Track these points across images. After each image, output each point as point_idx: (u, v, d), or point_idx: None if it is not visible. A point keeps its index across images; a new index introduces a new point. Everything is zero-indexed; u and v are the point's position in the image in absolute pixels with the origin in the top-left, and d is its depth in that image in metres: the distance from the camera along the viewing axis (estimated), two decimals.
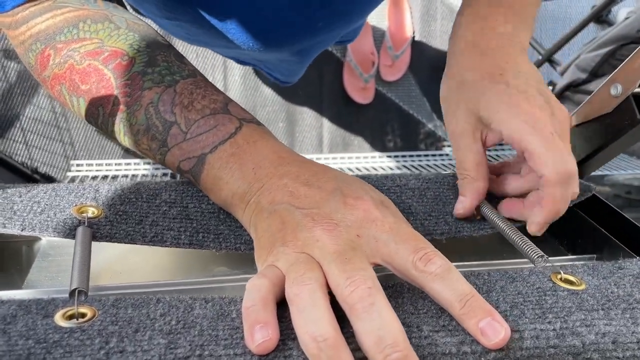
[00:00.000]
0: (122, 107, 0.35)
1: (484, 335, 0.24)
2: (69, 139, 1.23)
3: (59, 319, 0.25)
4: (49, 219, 0.33)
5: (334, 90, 1.26)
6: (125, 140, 0.37)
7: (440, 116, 1.32)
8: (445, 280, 0.26)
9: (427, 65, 1.30)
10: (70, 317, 0.25)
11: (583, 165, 0.39)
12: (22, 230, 0.32)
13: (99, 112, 0.36)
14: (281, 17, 0.49)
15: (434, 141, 1.31)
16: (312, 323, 0.24)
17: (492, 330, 0.24)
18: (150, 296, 0.27)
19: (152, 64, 0.36)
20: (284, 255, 0.28)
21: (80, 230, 0.32)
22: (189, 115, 0.35)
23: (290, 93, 1.26)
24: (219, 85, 1.28)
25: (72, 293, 0.27)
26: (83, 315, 0.25)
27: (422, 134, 1.31)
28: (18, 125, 1.20)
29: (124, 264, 0.37)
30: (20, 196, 0.35)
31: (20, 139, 1.20)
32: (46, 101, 1.19)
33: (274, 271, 0.27)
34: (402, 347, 0.23)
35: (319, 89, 1.27)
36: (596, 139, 0.37)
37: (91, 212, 0.34)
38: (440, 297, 0.26)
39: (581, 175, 0.38)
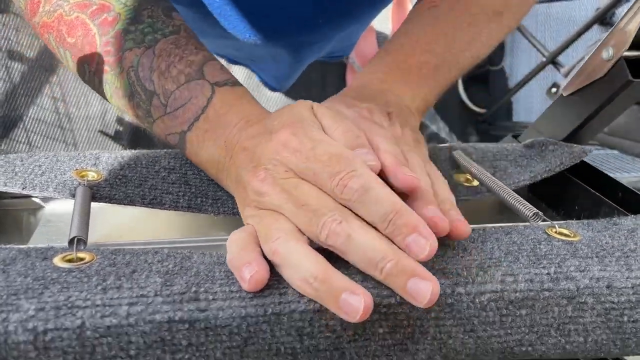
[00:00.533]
0: (106, 67, 0.36)
1: (410, 252, 0.24)
2: (72, 140, 1.24)
3: (57, 262, 0.25)
4: (49, 180, 0.34)
5: (337, 91, 1.26)
6: (114, 103, 0.37)
7: (443, 118, 1.32)
8: (364, 204, 0.25)
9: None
10: (69, 261, 0.26)
11: (579, 132, 0.39)
12: (22, 188, 0.33)
13: (85, 69, 0.36)
14: (281, 6, 0.49)
15: (437, 142, 1.32)
16: (297, 270, 0.24)
17: (417, 246, 0.24)
18: (148, 247, 0.28)
19: (137, 21, 0.36)
20: (250, 218, 0.29)
21: (80, 189, 0.33)
22: (166, 85, 0.34)
23: (293, 94, 1.27)
24: None
25: (71, 241, 0.28)
26: (81, 259, 0.26)
27: (424, 135, 1.31)
28: (21, 126, 1.21)
29: (123, 230, 0.38)
30: (22, 160, 0.36)
31: (23, 140, 1.21)
32: (49, 102, 1.21)
33: (250, 227, 0.28)
34: (391, 256, 0.23)
35: (322, 90, 1.28)
36: (590, 105, 0.37)
37: (91, 175, 0.35)
38: (368, 220, 0.25)
39: (578, 143, 0.39)
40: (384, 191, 0.25)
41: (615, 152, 0.73)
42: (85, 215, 0.30)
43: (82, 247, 0.28)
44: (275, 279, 0.25)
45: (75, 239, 0.28)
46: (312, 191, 0.26)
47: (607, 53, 0.34)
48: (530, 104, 1.50)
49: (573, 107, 0.39)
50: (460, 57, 0.40)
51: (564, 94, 0.40)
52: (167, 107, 0.34)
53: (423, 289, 0.23)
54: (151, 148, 1.41)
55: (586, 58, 0.37)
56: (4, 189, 0.33)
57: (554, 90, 1.18)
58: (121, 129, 1.26)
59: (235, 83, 0.36)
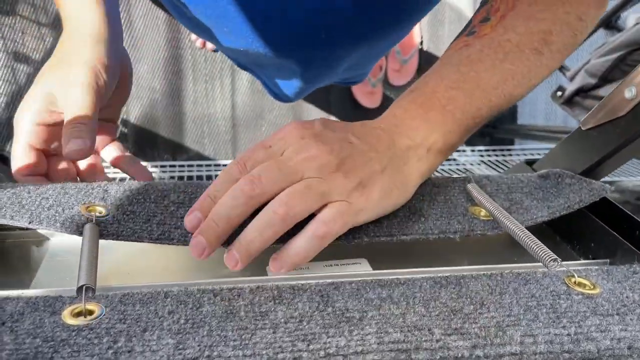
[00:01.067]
0: None
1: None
2: None
3: (66, 317, 0.25)
4: (57, 214, 0.33)
5: (342, 94, 1.26)
6: None
7: None
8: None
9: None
10: (78, 315, 0.25)
11: (596, 169, 0.38)
12: (29, 222, 0.32)
13: None
14: (281, 14, 0.49)
15: None
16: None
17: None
18: (158, 290, 0.27)
19: None
20: None
21: (88, 227, 0.32)
22: None
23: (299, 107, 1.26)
24: (227, 89, 1.29)
25: (79, 290, 0.27)
26: (91, 312, 0.25)
27: None
28: None
29: (132, 266, 0.37)
30: (29, 192, 0.35)
31: None
32: None
33: None
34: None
35: (327, 92, 1.27)
36: (609, 142, 0.36)
37: (99, 211, 0.34)
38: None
39: (594, 178, 0.38)
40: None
41: None
42: (93, 259, 0.30)
43: (91, 295, 0.27)
44: (289, 340, 0.24)
45: (84, 288, 0.27)
46: None
47: (630, 92, 0.33)
48: (534, 107, 1.49)
49: (592, 142, 0.38)
50: (492, 95, 0.38)
51: (583, 128, 0.39)
52: None
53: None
54: (155, 150, 1.41)
55: (607, 93, 0.36)
56: (10, 222, 0.32)
57: (559, 93, 1.17)
58: (126, 130, 1.26)
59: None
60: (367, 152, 0.34)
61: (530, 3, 0.40)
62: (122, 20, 1.23)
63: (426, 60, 1.28)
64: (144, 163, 1.41)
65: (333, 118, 1.27)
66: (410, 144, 0.36)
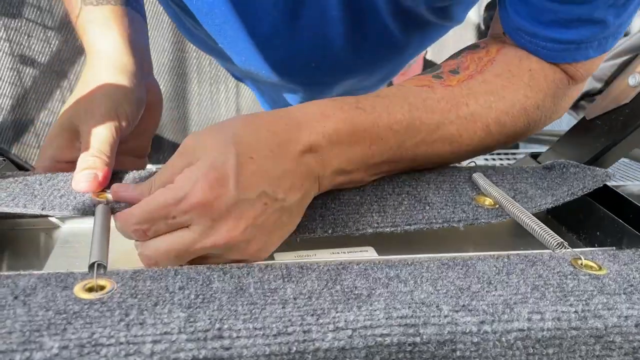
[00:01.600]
0: None
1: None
2: None
3: (78, 291, 0.25)
4: (68, 200, 0.34)
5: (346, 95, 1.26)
6: None
7: None
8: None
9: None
10: (90, 290, 0.25)
11: (601, 158, 0.38)
12: (42, 209, 0.33)
13: None
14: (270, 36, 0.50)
15: None
16: None
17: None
18: (168, 268, 0.27)
19: None
20: None
21: (99, 208, 0.33)
22: None
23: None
24: (231, 93, 1.30)
25: (91, 266, 0.27)
26: (102, 287, 0.26)
27: None
28: (32, 131, 1.22)
29: None
30: (41, 184, 0.36)
31: (34, 144, 1.22)
32: (60, 107, 1.21)
33: None
34: None
35: (332, 96, 1.27)
36: (615, 130, 0.36)
37: (109, 197, 0.35)
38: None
39: (601, 167, 0.38)
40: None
41: (626, 159, 0.72)
42: (104, 237, 0.30)
43: (103, 272, 0.27)
44: (299, 315, 0.24)
45: (95, 264, 0.27)
46: None
47: (634, 79, 0.33)
48: None
49: (597, 132, 0.38)
50: (420, 153, 0.38)
51: (587, 117, 0.39)
52: None
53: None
54: (161, 152, 1.42)
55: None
56: (23, 211, 0.33)
57: None
58: None
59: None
60: (280, 215, 0.31)
61: (497, 74, 0.40)
62: None
63: (431, 63, 1.29)
64: (149, 165, 1.42)
65: None
66: (319, 174, 0.34)
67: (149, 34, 1.44)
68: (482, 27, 1.34)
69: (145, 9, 1.38)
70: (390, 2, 0.46)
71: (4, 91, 1.15)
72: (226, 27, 0.50)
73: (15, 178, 0.36)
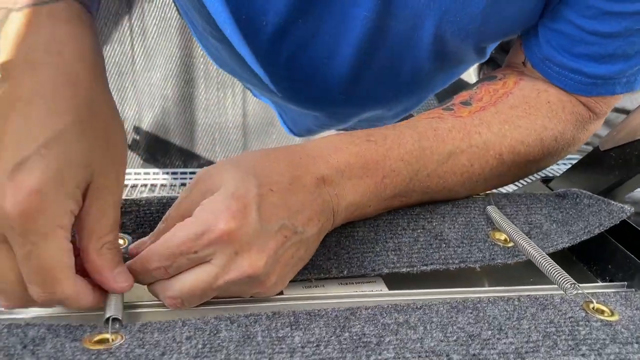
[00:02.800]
0: None
1: None
2: None
3: (86, 343, 0.25)
4: None
5: None
6: None
7: None
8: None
9: (449, 86, 1.29)
10: (99, 342, 0.25)
11: (614, 190, 0.38)
12: None
13: None
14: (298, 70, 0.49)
15: None
16: None
17: None
18: (175, 319, 0.27)
19: None
20: None
21: None
22: None
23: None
24: (238, 98, 1.29)
25: (106, 320, 0.27)
26: (108, 339, 0.26)
27: None
28: None
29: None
30: None
31: None
32: None
33: None
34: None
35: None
36: (628, 164, 0.36)
37: (120, 241, 0.34)
38: None
39: (612, 199, 0.37)
40: None
41: None
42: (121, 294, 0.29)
43: (118, 327, 0.27)
44: None
45: (111, 319, 0.27)
46: None
47: None
48: None
49: (611, 163, 0.38)
50: (433, 183, 0.37)
51: (601, 149, 0.38)
52: None
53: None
54: (167, 157, 1.41)
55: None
56: None
57: None
58: (138, 138, 1.27)
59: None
60: (298, 248, 0.31)
61: (512, 106, 0.39)
62: (136, 29, 1.24)
63: None
64: (154, 170, 1.42)
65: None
66: (334, 208, 0.33)
67: (157, 40, 1.44)
68: (474, 78, 1.32)
69: (153, 13, 1.38)
70: (435, 44, 0.43)
71: None
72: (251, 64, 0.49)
73: None
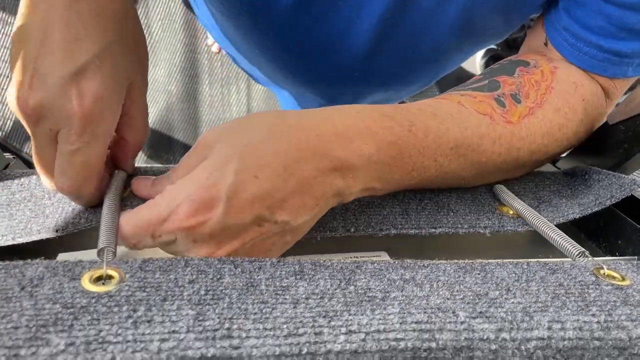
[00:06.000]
0: None
1: None
2: None
3: (86, 282, 0.24)
4: (81, 214, 0.33)
5: None
6: None
7: None
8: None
9: (452, 74, 1.29)
10: (98, 279, 0.25)
11: (624, 164, 0.37)
12: (56, 231, 0.32)
13: None
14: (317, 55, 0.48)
15: None
16: None
17: None
18: (178, 258, 0.27)
19: None
20: None
21: (109, 194, 0.32)
22: None
23: None
24: (242, 94, 1.29)
25: (100, 251, 0.27)
26: (110, 277, 0.25)
27: None
28: None
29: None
30: (50, 199, 0.35)
31: None
32: None
33: None
34: None
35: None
36: (638, 136, 0.35)
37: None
38: None
39: (624, 173, 0.37)
40: None
41: None
42: (114, 221, 0.29)
43: (111, 258, 0.27)
44: (310, 316, 0.24)
45: (105, 250, 0.27)
46: None
47: None
48: None
49: (619, 137, 0.37)
50: (452, 183, 0.36)
51: (610, 123, 0.38)
52: None
53: None
54: (170, 154, 1.42)
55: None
56: (38, 238, 0.32)
57: None
58: None
59: None
60: (280, 236, 0.29)
61: (556, 109, 0.38)
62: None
63: None
64: (159, 165, 1.43)
65: None
66: (344, 192, 0.31)
67: (161, 36, 1.45)
68: (479, 73, 1.32)
69: (157, 9, 1.39)
70: (461, 19, 0.42)
71: None
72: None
73: (22, 194, 0.35)
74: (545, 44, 0.43)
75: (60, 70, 0.29)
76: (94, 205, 0.34)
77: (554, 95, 0.39)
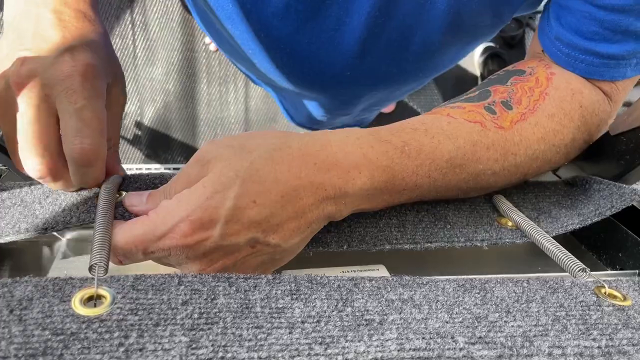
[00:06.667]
0: None
1: None
2: None
3: (76, 304, 0.24)
4: (72, 213, 0.33)
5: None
6: None
7: None
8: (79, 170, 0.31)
9: (450, 74, 1.29)
10: (89, 299, 0.24)
11: (625, 175, 0.37)
12: (45, 230, 0.32)
13: None
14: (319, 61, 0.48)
15: None
16: None
17: None
18: (172, 275, 0.26)
19: None
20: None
21: (100, 207, 0.32)
22: None
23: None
24: (240, 93, 1.29)
25: (91, 268, 0.26)
26: (101, 297, 0.24)
27: None
28: None
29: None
30: (40, 202, 0.34)
31: None
32: None
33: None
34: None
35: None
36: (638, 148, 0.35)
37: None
38: None
39: (626, 184, 0.36)
40: None
41: None
42: (106, 235, 0.29)
43: (103, 274, 0.26)
44: (306, 343, 0.23)
45: (97, 267, 0.26)
46: None
47: None
48: None
49: (621, 148, 0.36)
50: (449, 194, 0.35)
51: (611, 133, 0.37)
52: None
53: None
54: (168, 153, 1.41)
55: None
56: (27, 236, 0.31)
57: None
58: (139, 133, 1.26)
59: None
60: (271, 255, 0.30)
61: (549, 114, 0.38)
62: (138, 23, 1.24)
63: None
64: (156, 166, 1.41)
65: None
66: (335, 215, 0.31)
67: (159, 35, 1.44)
68: (478, 72, 1.30)
69: (154, 8, 1.38)
70: (450, 14, 0.42)
71: None
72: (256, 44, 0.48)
73: (12, 200, 0.35)
74: (543, 52, 0.42)
75: (50, 52, 0.32)
76: (89, 221, 0.33)
77: (548, 102, 0.38)
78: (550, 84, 0.39)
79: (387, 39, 0.45)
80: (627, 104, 0.98)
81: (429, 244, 0.33)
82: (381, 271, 0.35)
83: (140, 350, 0.22)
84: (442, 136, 0.34)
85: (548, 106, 0.38)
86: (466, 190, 0.36)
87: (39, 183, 0.37)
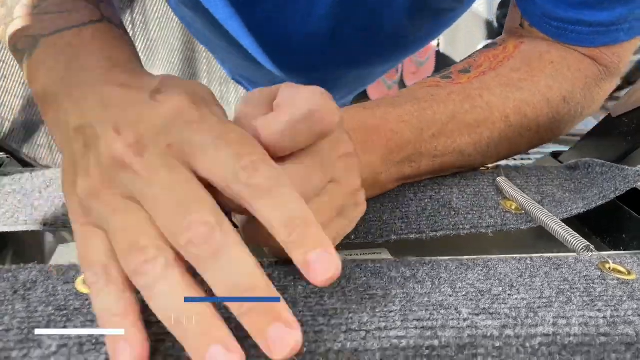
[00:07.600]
0: None
1: (311, 271, 0.20)
2: None
3: (79, 285, 0.24)
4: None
5: (357, 96, 1.25)
6: None
7: None
8: (272, 196, 0.20)
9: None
10: None
11: (627, 157, 0.37)
12: (44, 225, 0.32)
13: None
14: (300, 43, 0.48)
15: None
16: (168, 300, 0.20)
17: (322, 265, 0.20)
18: None
19: None
20: (95, 204, 0.22)
21: None
22: None
23: None
24: (241, 93, 1.29)
25: None
26: None
27: None
28: (43, 130, 1.22)
29: None
30: (40, 192, 0.35)
31: (44, 144, 1.22)
32: None
33: (97, 232, 0.22)
34: (262, 288, 0.19)
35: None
36: None
37: None
38: (264, 219, 0.20)
39: (629, 165, 0.36)
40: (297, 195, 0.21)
41: None
42: None
43: None
44: (310, 315, 0.23)
45: None
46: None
47: None
48: None
49: (622, 130, 0.36)
50: (440, 143, 0.35)
51: (613, 115, 0.37)
52: (37, 8, 0.31)
53: (286, 339, 0.18)
54: None
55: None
56: (25, 228, 0.31)
57: None
58: None
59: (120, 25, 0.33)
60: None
61: (513, 69, 0.38)
62: (138, 23, 1.24)
63: (442, 63, 1.27)
64: None
65: None
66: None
67: (159, 35, 1.44)
68: (495, 24, 1.32)
69: (155, 8, 1.38)
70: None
71: (16, 91, 1.15)
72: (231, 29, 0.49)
73: (13, 186, 0.35)
74: (522, 26, 0.42)
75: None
76: None
77: (512, 61, 0.38)
78: (517, 50, 0.40)
79: (357, 24, 0.46)
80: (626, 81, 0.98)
81: (434, 233, 0.33)
82: (384, 255, 0.35)
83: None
84: (397, 95, 0.36)
85: (512, 64, 0.38)
86: (454, 137, 0.36)
87: (40, 170, 0.37)
